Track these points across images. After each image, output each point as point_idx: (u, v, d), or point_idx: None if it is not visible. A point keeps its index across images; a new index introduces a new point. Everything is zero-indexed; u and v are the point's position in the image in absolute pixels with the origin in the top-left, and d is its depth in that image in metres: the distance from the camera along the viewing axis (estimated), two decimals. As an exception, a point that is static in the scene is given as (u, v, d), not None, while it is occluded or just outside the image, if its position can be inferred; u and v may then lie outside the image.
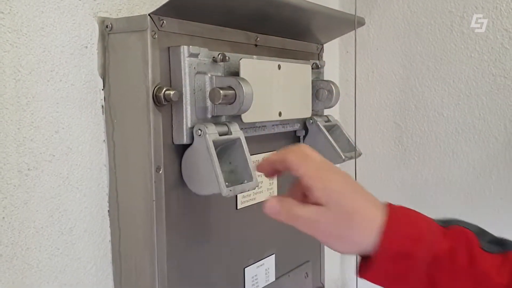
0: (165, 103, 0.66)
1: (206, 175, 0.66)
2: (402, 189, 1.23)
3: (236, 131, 0.71)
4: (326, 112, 0.99)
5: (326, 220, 0.52)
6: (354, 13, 0.94)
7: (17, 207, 0.61)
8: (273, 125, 0.86)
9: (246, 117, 0.74)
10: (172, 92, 0.65)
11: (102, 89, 0.70)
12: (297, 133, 0.94)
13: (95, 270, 0.71)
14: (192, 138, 0.68)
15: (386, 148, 1.25)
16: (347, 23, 0.97)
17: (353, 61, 1.26)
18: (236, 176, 0.70)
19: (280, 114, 0.82)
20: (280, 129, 0.88)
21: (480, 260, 0.51)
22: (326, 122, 0.94)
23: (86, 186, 0.69)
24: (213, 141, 0.67)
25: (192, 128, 0.68)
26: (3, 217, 0.60)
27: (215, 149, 0.67)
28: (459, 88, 1.13)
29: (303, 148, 0.56)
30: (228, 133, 0.70)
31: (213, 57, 0.70)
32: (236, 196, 0.81)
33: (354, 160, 0.96)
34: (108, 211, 0.72)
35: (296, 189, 0.57)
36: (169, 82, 0.68)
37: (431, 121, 1.17)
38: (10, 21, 0.59)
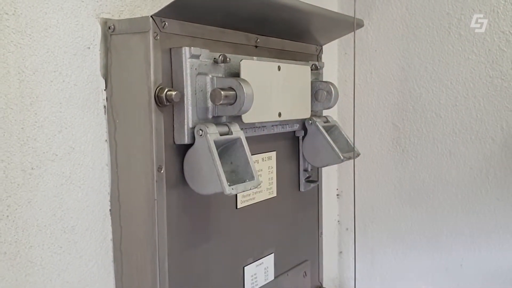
0: (166, 104, 0.67)
1: (208, 174, 0.67)
2: (399, 189, 1.24)
3: (237, 131, 0.72)
4: (325, 112, 1.00)
5: None
6: (353, 15, 0.95)
7: (20, 205, 0.62)
8: (272, 126, 0.87)
9: (247, 118, 0.75)
10: (173, 93, 0.66)
11: (104, 90, 0.71)
12: (296, 134, 0.95)
13: (97, 268, 0.72)
14: (194, 138, 0.69)
15: (384, 149, 1.26)
16: (346, 25, 0.99)
17: (351, 62, 1.27)
18: (238, 175, 0.71)
19: (279, 114, 0.83)
20: (280, 130, 0.89)
21: None
22: (325, 122, 0.95)
23: (88, 185, 0.70)
24: (214, 141, 0.68)
25: (193, 128, 0.69)
26: (7, 216, 0.61)
27: (216, 149, 0.68)
28: (457, 90, 1.14)
29: None
30: (229, 133, 0.71)
31: (214, 58, 0.71)
32: (236, 195, 0.82)
33: (352, 160, 0.97)
34: (110, 210, 0.72)
35: None
36: (170, 83, 0.68)
37: (428, 122, 1.19)
38: (14, 22, 0.60)
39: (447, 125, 1.16)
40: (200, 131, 0.68)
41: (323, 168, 1.06)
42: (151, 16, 0.65)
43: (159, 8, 0.67)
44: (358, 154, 0.98)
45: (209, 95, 0.70)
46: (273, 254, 0.92)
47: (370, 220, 1.30)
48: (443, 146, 1.17)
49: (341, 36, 1.07)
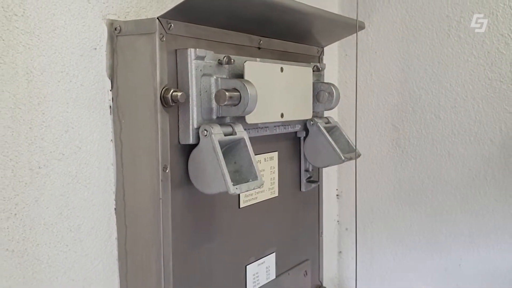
0: (172, 104, 0.68)
1: (213, 174, 0.68)
2: (399, 190, 1.25)
3: (241, 132, 0.73)
4: (326, 113, 1.01)
5: None
6: (353, 17, 0.96)
7: (28, 204, 0.63)
8: (275, 126, 0.88)
9: (250, 118, 0.76)
10: (179, 94, 0.67)
11: (110, 90, 0.72)
12: (298, 134, 0.96)
13: (102, 266, 0.72)
14: (198, 138, 0.70)
15: (383, 150, 1.27)
16: (347, 27, 1.00)
17: (352, 64, 1.29)
18: (241, 175, 0.72)
19: (282, 115, 0.84)
20: (282, 130, 0.90)
21: None
22: (326, 123, 0.97)
23: (94, 185, 0.71)
24: (218, 141, 0.69)
25: (198, 128, 0.70)
26: (15, 214, 0.61)
27: (220, 149, 0.69)
28: (456, 92, 1.15)
29: None
30: (233, 133, 0.72)
31: (219, 59, 0.72)
32: (239, 195, 0.83)
33: (353, 160, 0.98)
34: (115, 209, 0.73)
35: None
36: (176, 84, 0.69)
37: (428, 124, 1.20)
38: (23, 23, 0.61)
39: (446, 127, 1.17)
40: (205, 131, 0.69)
41: (323, 168, 1.07)
42: (158, 18, 0.66)
43: (164, 10, 0.68)
44: (359, 155, 0.99)
45: (213, 96, 0.71)
46: (274, 253, 0.93)
47: (370, 220, 1.31)
48: (442, 147, 1.19)
49: (342, 38, 1.08)
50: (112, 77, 0.71)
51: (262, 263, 0.90)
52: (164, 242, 0.70)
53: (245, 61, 0.75)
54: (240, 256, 0.85)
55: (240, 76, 0.75)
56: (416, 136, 1.22)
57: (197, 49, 0.69)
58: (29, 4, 0.61)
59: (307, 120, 0.95)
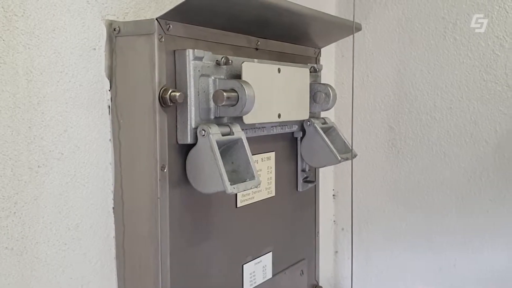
0: (170, 104, 0.69)
1: (210, 173, 0.69)
2: (395, 190, 1.26)
3: (238, 132, 0.73)
4: (323, 114, 1.02)
5: None
6: (350, 19, 0.97)
7: (27, 202, 0.63)
8: (272, 126, 0.88)
9: (248, 119, 0.76)
10: (177, 94, 0.68)
11: (109, 90, 0.72)
12: (295, 135, 0.97)
13: (100, 265, 0.73)
14: (196, 138, 0.70)
15: (379, 150, 1.28)
16: (344, 28, 1.01)
17: (348, 65, 1.29)
18: (239, 175, 0.73)
19: (279, 115, 0.85)
20: (279, 130, 0.91)
21: None
22: (323, 124, 0.97)
23: (93, 184, 0.71)
24: (216, 141, 0.69)
25: (196, 128, 0.70)
26: (14, 212, 0.62)
27: (218, 148, 0.69)
28: (451, 93, 1.16)
29: None
30: (230, 133, 0.73)
31: (217, 60, 0.73)
32: (236, 195, 0.83)
33: (349, 161, 0.99)
34: (113, 208, 0.74)
35: None
36: (174, 84, 0.70)
37: (423, 124, 1.21)
38: (23, 23, 0.61)
39: (442, 128, 1.18)
40: (203, 131, 0.70)
41: (320, 168, 1.08)
42: (156, 19, 0.67)
43: (163, 11, 0.68)
44: (355, 155, 1.00)
45: (211, 96, 0.72)
46: (271, 252, 0.93)
47: (366, 220, 1.32)
48: (438, 148, 1.20)
49: (339, 39, 1.09)
50: (111, 77, 0.72)
51: (258, 262, 0.90)
52: (162, 241, 0.70)
53: (242, 62, 0.76)
54: (237, 255, 0.86)
55: (238, 76, 0.76)
56: (412, 136, 1.23)
57: (196, 49, 0.70)
58: (29, 4, 0.62)
59: (304, 120, 0.95)
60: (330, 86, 0.95)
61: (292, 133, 0.97)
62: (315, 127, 0.95)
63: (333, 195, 1.37)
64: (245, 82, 0.72)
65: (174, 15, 0.68)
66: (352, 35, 1.00)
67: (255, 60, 0.81)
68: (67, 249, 0.69)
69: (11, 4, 0.60)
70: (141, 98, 0.69)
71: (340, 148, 0.98)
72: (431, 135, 1.20)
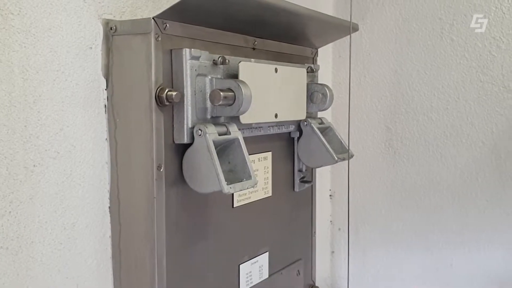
0: (167, 104, 0.68)
1: (207, 173, 0.69)
2: (391, 190, 1.26)
3: (235, 132, 0.73)
4: (320, 114, 1.02)
5: None
6: (347, 19, 0.97)
7: (22, 202, 0.63)
8: (269, 126, 0.88)
9: (244, 118, 0.76)
10: (174, 93, 0.67)
11: (105, 89, 0.72)
12: (292, 135, 0.97)
13: (96, 264, 0.73)
14: (193, 138, 0.70)
15: (376, 150, 1.28)
16: (341, 28, 1.01)
17: (345, 65, 1.29)
18: (235, 175, 0.73)
19: (276, 115, 0.85)
20: (276, 130, 0.91)
21: None
22: (320, 124, 0.97)
23: (89, 183, 0.71)
24: (213, 141, 0.69)
25: (192, 128, 0.70)
26: (10, 212, 0.62)
27: (215, 148, 0.69)
28: (448, 93, 1.16)
29: None
30: (227, 133, 0.73)
31: (213, 60, 0.73)
32: (233, 194, 0.83)
33: (346, 161, 0.99)
34: (109, 207, 0.74)
35: None
36: (171, 83, 0.70)
37: (420, 125, 1.21)
38: (19, 22, 0.61)
39: (439, 128, 1.19)
40: (199, 131, 0.69)
41: (316, 168, 1.08)
42: (153, 18, 0.67)
43: (160, 10, 0.68)
44: (352, 155, 1.00)
45: (208, 96, 0.71)
46: (267, 252, 0.93)
47: (362, 221, 1.32)
48: (435, 148, 1.20)
49: (336, 40, 1.09)
50: (107, 76, 0.72)
51: (255, 262, 0.90)
52: (158, 240, 0.70)
53: (239, 62, 0.76)
54: (234, 255, 0.86)
55: (234, 76, 0.76)
56: (408, 137, 1.23)
57: (192, 49, 0.70)
58: (25, 3, 0.62)
59: (300, 120, 0.95)
60: (327, 86, 0.95)
61: (289, 133, 0.97)
62: (312, 127, 0.95)
63: (330, 195, 1.37)
64: (242, 82, 0.72)
65: (171, 14, 0.68)
66: (349, 35, 1.00)
67: (252, 60, 0.81)
68: (62, 249, 0.68)
69: (7, 2, 0.60)
70: (138, 97, 0.69)
71: (337, 148, 0.98)
72: (428, 136, 1.20)
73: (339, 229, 1.37)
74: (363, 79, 1.27)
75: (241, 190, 0.71)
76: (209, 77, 0.72)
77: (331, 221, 1.38)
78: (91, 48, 0.70)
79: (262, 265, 0.92)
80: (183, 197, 0.73)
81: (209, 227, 0.79)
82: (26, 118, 0.63)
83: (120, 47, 0.70)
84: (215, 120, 0.74)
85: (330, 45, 1.28)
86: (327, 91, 0.94)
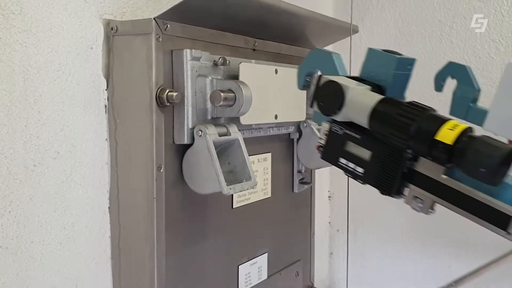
0: (167, 104, 0.68)
1: (207, 174, 0.69)
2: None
3: (235, 132, 0.73)
4: (319, 116, 1.02)
5: None
6: (347, 21, 0.97)
7: (22, 201, 0.63)
8: (268, 128, 0.88)
9: (245, 119, 0.76)
10: (174, 94, 0.68)
11: (106, 89, 0.72)
12: (291, 136, 0.97)
13: (95, 264, 0.73)
14: (193, 139, 0.70)
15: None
16: (341, 30, 1.01)
17: (345, 66, 1.29)
18: (235, 176, 0.73)
19: (276, 116, 0.85)
20: (275, 131, 0.91)
21: None
22: (319, 125, 0.97)
23: (88, 183, 0.71)
24: (213, 142, 0.69)
25: (192, 128, 0.70)
26: (10, 211, 0.62)
27: (215, 149, 0.69)
28: (448, 96, 1.16)
29: None
30: (227, 134, 0.73)
31: (214, 60, 0.73)
32: (232, 195, 0.83)
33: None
34: (109, 207, 0.74)
35: None
36: (171, 84, 0.70)
37: (419, 127, 1.21)
38: (20, 21, 0.61)
39: (438, 130, 1.18)
40: (200, 132, 0.69)
41: (316, 170, 1.08)
42: (154, 18, 0.67)
43: (160, 11, 0.68)
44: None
45: (208, 97, 0.72)
46: (266, 253, 0.93)
47: (361, 222, 1.32)
48: (433, 150, 1.20)
49: (336, 41, 1.09)
50: (107, 76, 0.72)
51: (254, 263, 0.90)
52: (158, 241, 0.70)
53: (240, 63, 0.76)
54: (233, 256, 0.86)
55: (235, 77, 0.76)
56: (407, 139, 1.23)
57: (193, 50, 0.70)
58: (26, 2, 0.62)
59: (300, 121, 0.95)
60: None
61: (289, 134, 0.97)
62: (312, 129, 0.95)
63: (329, 197, 1.37)
64: (242, 82, 0.72)
65: (171, 15, 0.68)
66: (349, 37, 1.01)
67: (252, 61, 0.81)
68: (62, 249, 0.68)
69: (8, 2, 0.60)
70: (138, 98, 0.69)
71: (336, 150, 0.97)
72: (427, 138, 1.20)
73: (338, 230, 1.37)
74: (362, 80, 1.27)
75: (241, 191, 0.71)
76: (210, 78, 0.72)
77: (329, 223, 1.38)
78: (91, 48, 0.70)
79: (261, 266, 0.92)
80: (183, 197, 0.73)
81: (209, 227, 0.79)
82: (27, 118, 0.63)
83: (121, 48, 0.70)
84: (215, 121, 0.74)
85: (329, 46, 1.28)
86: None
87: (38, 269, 0.65)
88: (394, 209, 1.26)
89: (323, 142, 0.56)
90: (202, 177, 0.70)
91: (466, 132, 0.46)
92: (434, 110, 0.50)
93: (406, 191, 0.51)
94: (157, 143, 0.69)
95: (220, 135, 0.71)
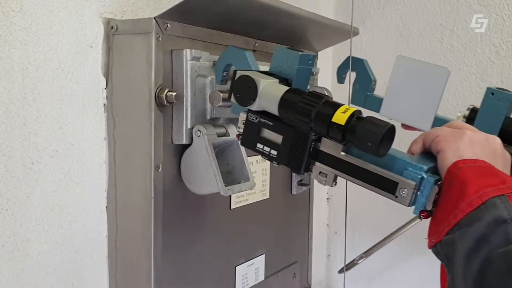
0: (166, 104, 0.68)
1: (205, 174, 0.69)
2: (388, 195, 1.26)
3: (234, 133, 0.73)
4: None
5: None
6: (348, 23, 0.97)
7: (19, 199, 0.63)
8: (267, 129, 0.88)
9: (243, 120, 0.76)
10: (174, 94, 0.67)
11: (105, 88, 0.72)
12: (290, 137, 0.97)
13: (92, 263, 0.73)
14: (191, 139, 0.70)
15: (374, 155, 1.28)
16: (341, 32, 1.01)
17: (345, 68, 1.29)
18: (233, 176, 0.73)
19: (275, 118, 0.85)
20: (274, 133, 0.90)
21: None
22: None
23: (86, 182, 0.71)
24: (211, 142, 0.69)
25: (191, 129, 0.70)
26: (6, 209, 0.61)
27: (214, 150, 0.69)
28: (447, 99, 1.16)
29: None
30: (226, 134, 0.72)
31: (214, 61, 0.73)
32: (230, 196, 0.83)
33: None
34: (106, 207, 0.73)
35: None
36: (171, 84, 0.70)
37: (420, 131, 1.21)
38: (20, 19, 0.61)
39: (437, 134, 1.18)
40: (198, 132, 0.69)
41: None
42: (154, 18, 0.67)
43: (161, 10, 0.68)
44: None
45: (208, 97, 0.71)
46: (264, 255, 0.93)
47: (359, 224, 1.32)
48: (432, 153, 1.20)
49: (337, 43, 1.09)
50: (107, 75, 0.71)
51: (251, 264, 0.90)
52: (155, 241, 0.70)
53: (240, 63, 0.75)
54: (230, 256, 0.85)
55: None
56: (407, 143, 1.23)
57: (193, 49, 0.69)
58: (27, 0, 0.61)
59: (299, 123, 0.95)
60: (327, 90, 0.95)
61: (288, 135, 0.96)
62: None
63: (327, 199, 1.37)
64: (242, 83, 0.72)
65: (172, 14, 0.67)
66: (349, 39, 1.00)
67: (252, 61, 0.81)
68: (58, 247, 0.68)
69: (8, -1, 0.60)
70: (137, 97, 0.69)
71: (335, 152, 0.97)
72: (426, 141, 1.20)
73: (336, 232, 1.37)
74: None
75: (239, 192, 0.71)
76: (209, 78, 0.72)
77: (327, 224, 1.38)
78: (91, 47, 0.70)
79: (258, 267, 0.92)
80: (180, 198, 0.73)
81: (206, 228, 0.79)
82: (25, 116, 0.63)
83: (121, 47, 0.70)
84: (214, 121, 0.74)
85: (330, 48, 1.27)
86: (327, 94, 0.94)
87: (35, 267, 0.65)
88: (392, 212, 1.26)
89: (241, 130, 0.62)
90: (200, 177, 0.70)
91: (355, 114, 0.54)
92: (330, 98, 0.57)
93: (313, 168, 0.59)
94: (156, 142, 0.69)
95: (218, 136, 0.71)
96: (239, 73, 0.61)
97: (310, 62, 0.62)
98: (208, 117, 0.73)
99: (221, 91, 0.70)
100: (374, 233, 1.30)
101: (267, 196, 0.93)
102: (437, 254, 0.54)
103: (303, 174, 0.61)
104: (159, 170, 0.69)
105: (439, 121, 0.71)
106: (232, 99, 0.61)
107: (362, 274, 1.33)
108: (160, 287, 0.71)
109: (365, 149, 0.52)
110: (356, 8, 1.25)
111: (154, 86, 0.67)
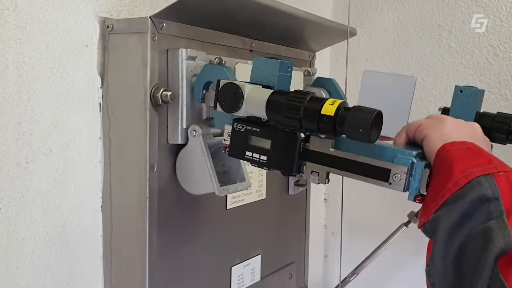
0: (161, 104, 0.68)
1: (200, 174, 0.68)
2: (385, 195, 1.26)
3: (229, 133, 0.73)
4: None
5: None
6: (346, 24, 0.97)
7: (14, 198, 0.63)
8: (264, 129, 0.88)
9: (239, 120, 0.76)
10: (169, 93, 0.67)
11: (100, 87, 0.72)
12: (287, 138, 0.97)
13: (86, 263, 0.72)
14: (187, 139, 0.70)
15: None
16: (339, 33, 1.00)
17: (343, 69, 1.29)
18: (229, 177, 0.73)
19: (271, 118, 0.84)
20: (271, 133, 0.90)
21: None
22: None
23: (81, 181, 0.71)
24: (207, 142, 0.69)
25: (187, 128, 0.70)
26: (0, 208, 0.61)
27: (209, 150, 0.69)
28: (445, 100, 1.16)
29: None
30: (222, 134, 0.72)
31: (210, 60, 0.73)
32: (226, 196, 0.83)
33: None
34: (101, 206, 0.73)
35: None
36: (166, 83, 0.70)
37: (416, 131, 1.21)
38: (15, 18, 0.61)
39: (434, 135, 1.18)
40: (194, 132, 0.69)
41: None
42: (150, 17, 0.66)
43: (157, 9, 0.68)
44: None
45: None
46: (260, 255, 0.93)
47: (356, 225, 1.31)
48: (430, 155, 1.19)
49: (334, 44, 1.09)
50: (102, 74, 0.71)
51: (247, 265, 0.90)
52: (150, 241, 0.70)
53: (236, 63, 0.75)
54: (226, 257, 0.85)
55: (231, 78, 0.75)
56: (404, 143, 1.23)
57: (189, 49, 0.69)
58: (22, -1, 0.61)
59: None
60: (324, 90, 0.95)
61: (285, 136, 0.96)
62: (308, 131, 0.95)
63: (325, 199, 1.37)
64: (238, 83, 0.71)
65: (168, 14, 0.67)
66: (346, 40, 1.00)
67: (249, 61, 0.80)
68: (53, 247, 0.68)
69: (3, -3, 0.59)
70: (133, 97, 0.69)
71: (332, 152, 0.97)
72: (424, 142, 1.20)
73: (333, 233, 1.37)
74: (360, 84, 1.27)
75: (235, 192, 0.71)
76: (205, 78, 0.72)
77: (325, 225, 1.38)
78: (87, 46, 0.70)
79: (254, 268, 0.92)
80: (176, 197, 0.73)
81: (202, 228, 0.79)
82: (20, 115, 0.62)
83: (116, 46, 0.70)
84: (209, 121, 0.73)
85: (327, 49, 1.27)
86: (324, 94, 0.94)
87: (28, 267, 0.65)
88: (389, 212, 1.26)
89: (227, 142, 0.63)
90: (196, 177, 0.69)
91: (343, 104, 0.54)
92: (314, 94, 0.57)
93: (304, 168, 0.59)
94: (151, 142, 0.68)
95: (214, 136, 0.71)
96: (223, 82, 0.61)
97: (289, 69, 0.63)
98: (204, 117, 0.73)
99: (216, 91, 0.70)
100: (372, 234, 1.30)
101: (264, 197, 0.92)
102: (425, 232, 0.56)
103: (294, 176, 0.61)
104: (154, 169, 0.69)
105: None
106: (218, 107, 0.61)
107: (360, 275, 1.33)
108: (155, 287, 0.71)
109: (357, 137, 0.52)
110: (354, 8, 1.25)
111: (149, 85, 0.67)
